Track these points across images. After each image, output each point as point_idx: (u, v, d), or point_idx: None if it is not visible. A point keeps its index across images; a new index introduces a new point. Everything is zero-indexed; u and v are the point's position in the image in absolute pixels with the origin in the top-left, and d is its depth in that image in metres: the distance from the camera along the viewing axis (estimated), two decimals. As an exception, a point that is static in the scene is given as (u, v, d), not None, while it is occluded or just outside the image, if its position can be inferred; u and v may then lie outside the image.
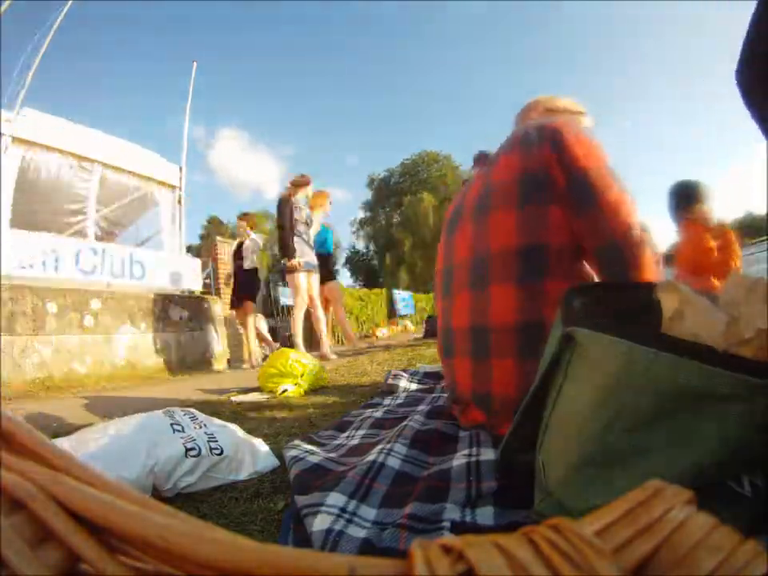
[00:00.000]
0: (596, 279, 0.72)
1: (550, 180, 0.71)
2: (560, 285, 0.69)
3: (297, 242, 3.41)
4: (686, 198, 2.17)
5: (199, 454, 0.73)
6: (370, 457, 0.69)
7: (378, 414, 1.08)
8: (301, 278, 3.35)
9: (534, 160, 0.73)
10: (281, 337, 6.79)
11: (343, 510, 0.52)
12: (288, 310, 7.04)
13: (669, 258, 2.22)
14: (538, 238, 0.71)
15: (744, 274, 0.37)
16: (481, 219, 0.79)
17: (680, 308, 0.36)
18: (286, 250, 3.38)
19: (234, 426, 0.92)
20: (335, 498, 0.55)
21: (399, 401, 1.23)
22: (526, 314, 0.70)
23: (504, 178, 0.76)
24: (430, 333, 4.08)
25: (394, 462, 0.67)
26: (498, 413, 0.73)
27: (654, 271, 0.67)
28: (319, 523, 0.49)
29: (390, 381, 1.49)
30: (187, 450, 0.72)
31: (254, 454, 0.82)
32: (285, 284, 7.96)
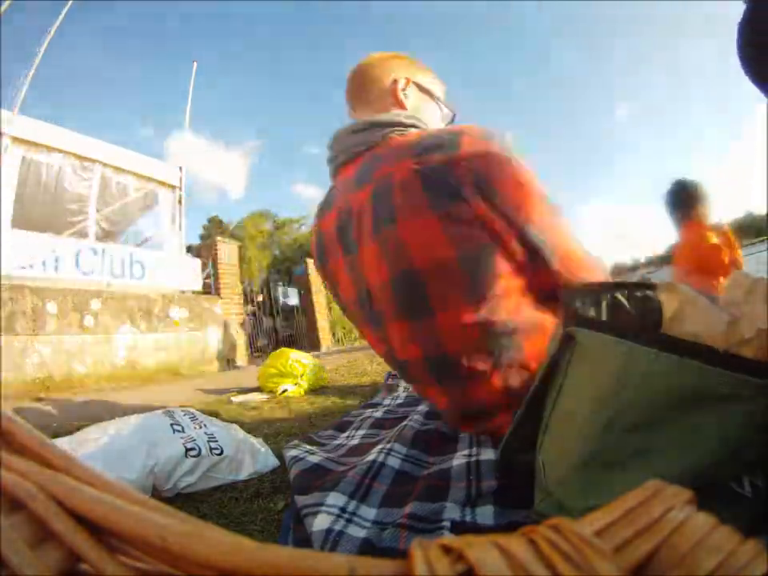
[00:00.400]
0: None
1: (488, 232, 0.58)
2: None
3: None
4: (684, 198, 2.17)
5: (199, 454, 0.73)
6: (370, 456, 0.69)
7: (378, 413, 1.08)
8: None
9: (446, 192, 0.58)
10: (282, 336, 6.79)
11: (343, 509, 0.52)
12: (295, 310, 7.03)
13: (666, 259, 2.23)
14: (473, 238, 0.58)
15: (744, 273, 0.37)
16: (385, 227, 0.62)
17: (680, 308, 0.36)
18: None
19: (234, 426, 0.93)
20: (335, 498, 0.55)
21: (399, 401, 1.23)
22: (495, 326, 0.59)
23: (405, 191, 0.59)
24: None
25: (393, 462, 0.67)
26: (496, 419, 0.68)
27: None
28: (319, 523, 0.49)
29: (389, 381, 1.49)
30: (187, 450, 0.72)
31: (253, 454, 0.82)
32: (285, 284, 7.96)
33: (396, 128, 0.67)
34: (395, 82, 0.73)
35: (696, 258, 2.03)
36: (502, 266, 0.59)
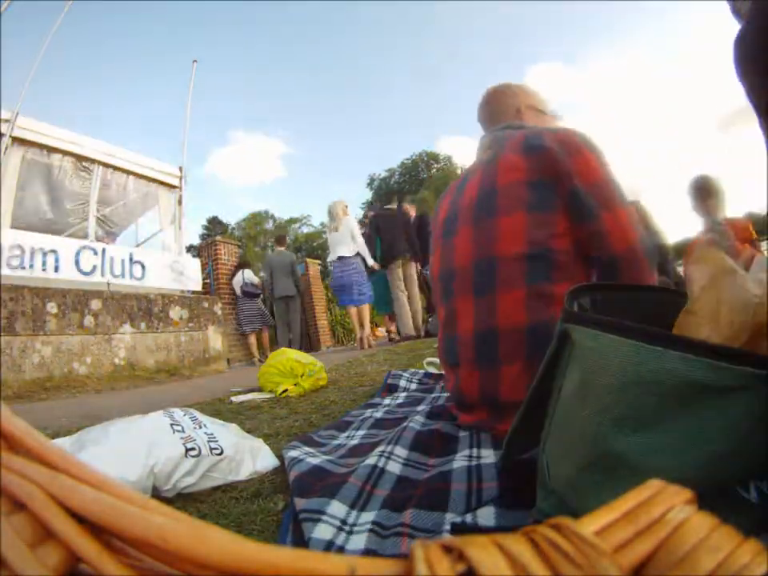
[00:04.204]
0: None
1: (556, 188, 0.73)
2: (567, 287, 0.69)
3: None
4: (696, 192, 2.22)
5: (199, 454, 0.73)
6: (371, 460, 0.68)
7: (378, 414, 1.08)
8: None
9: (542, 165, 0.74)
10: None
11: (344, 522, 0.52)
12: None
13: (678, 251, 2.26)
14: (545, 242, 0.71)
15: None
16: (484, 223, 0.77)
17: (715, 275, 0.35)
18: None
19: (234, 426, 0.92)
20: (336, 509, 0.54)
21: (399, 401, 1.23)
22: (534, 317, 0.70)
23: (509, 181, 0.76)
24: (429, 332, 4.10)
25: (394, 467, 0.67)
26: (505, 416, 0.72)
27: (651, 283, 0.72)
28: (319, 532, 0.49)
29: (389, 381, 1.49)
30: (187, 450, 0.72)
31: (254, 454, 0.82)
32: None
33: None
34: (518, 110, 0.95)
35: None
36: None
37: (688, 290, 0.38)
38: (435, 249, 0.91)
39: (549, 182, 0.73)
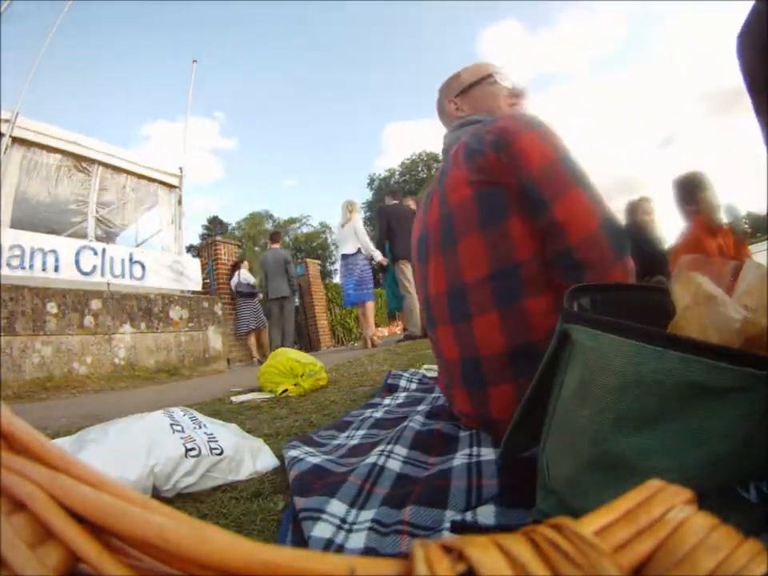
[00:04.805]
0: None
1: (503, 191, 0.66)
2: (540, 301, 0.66)
3: None
4: (687, 188, 2.18)
5: (199, 454, 0.73)
6: (371, 459, 0.69)
7: (378, 414, 1.08)
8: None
9: (483, 172, 0.68)
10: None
11: (343, 520, 0.52)
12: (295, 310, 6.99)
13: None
14: (507, 258, 0.66)
15: (758, 263, 0.37)
16: (448, 250, 0.74)
17: (696, 299, 0.36)
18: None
19: (233, 426, 0.92)
20: (336, 507, 0.54)
21: (399, 401, 1.23)
22: (513, 339, 0.67)
23: (459, 199, 0.71)
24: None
25: (394, 465, 0.67)
26: (501, 431, 0.71)
27: (621, 274, 0.62)
28: (319, 531, 0.49)
29: (389, 381, 1.49)
30: (187, 450, 0.72)
31: (254, 454, 0.82)
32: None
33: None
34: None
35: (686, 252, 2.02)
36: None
37: (675, 303, 0.38)
38: (416, 273, 0.88)
39: (494, 188, 0.67)
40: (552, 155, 0.64)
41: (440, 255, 0.76)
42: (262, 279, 4.86)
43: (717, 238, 2.10)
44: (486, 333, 0.69)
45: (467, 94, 0.87)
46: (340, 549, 0.46)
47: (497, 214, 0.67)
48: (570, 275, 0.63)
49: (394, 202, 4.41)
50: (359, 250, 4.14)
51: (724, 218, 2.16)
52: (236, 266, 5.20)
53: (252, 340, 5.01)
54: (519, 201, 0.66)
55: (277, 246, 5.03)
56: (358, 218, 4.29)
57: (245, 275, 5.05)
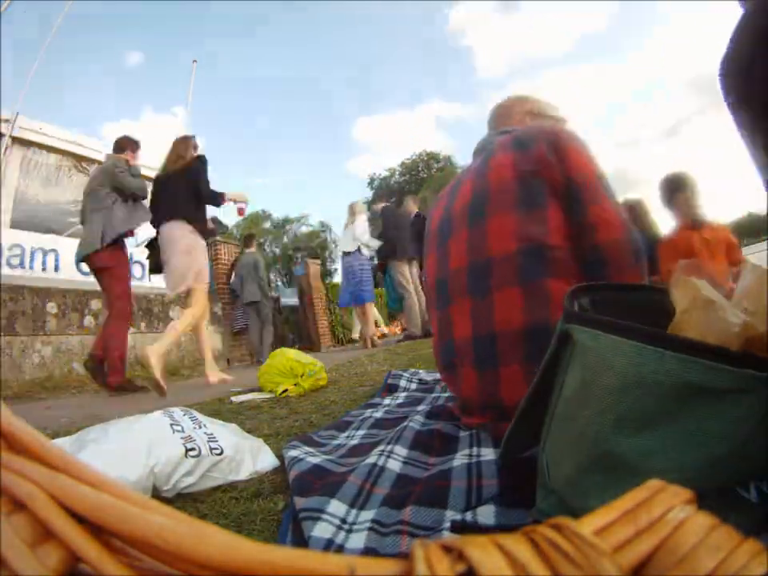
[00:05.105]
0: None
1: (546, 181, 0.73)
2: (564, 284, 0.69)
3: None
4: (670, 189, 2.22)
5: (199, 454, 0.73)
6: (371, 459, 0.69)
7: (378, 414, 1.08)
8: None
9: (530, 162, 0.74)
10: (281, 336, 6.77)
11: (344, 520, 0.52)
12: (295, 310, 6.97)
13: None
14: (538, 238, 0.71)
15: (757, 265, 0.36)
16: (477, 224, 0.77)
17: (694, 303, 0.35)
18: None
19: (233, 426, 0.92)
20: (336, 507, 0.54)
21: (399, 401, 1.23)
22: (532, 316, 0.69)
23: (499, 179, 0.76)
24: (429, 333, 4.11)
25: (394, 465, 0.67)
26: (508, 419, 0.71)
27: (636, 276, 0.71)
28: (319, 531, 0.49)
29: (389, 381, 1.49)
30: (187, 450, 0.72)
31: (254, 454, 0.82)
32: (285, 284, 7.94)
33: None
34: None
35: (675, 258, 2.06)
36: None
37: (674, 306, 0.38)
38: (430, 256, 0.90)
39: (539, 177, 0.73)
40: (593, 168, 0.75)
41: (464, 230, 0.79)
42: (238, 284, 4.76)
43: (701, 233, 2.14)
44: (506, 308, 0.71)
45: (540, 116, 0.98)
46: (340, 549, 0.46)
47: (535, 200, 0.73)
48: (590, 268, 0.71)
49: (388, 203, 4.41)
50: (359, 248, 4.14)
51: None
52: (234, 266, 5.19)
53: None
54: (558, 195, 0.73)
55: (251, 249, 4.87)
56: (363, 218, 4.28)
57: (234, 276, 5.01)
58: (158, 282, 4.55)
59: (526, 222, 0.72)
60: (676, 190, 2.21)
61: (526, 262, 0.71)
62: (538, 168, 0.73)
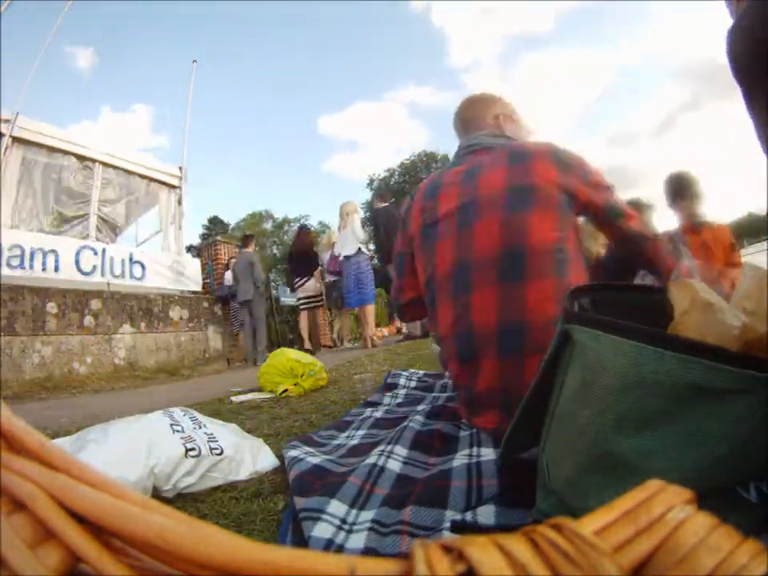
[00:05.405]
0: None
1: (575, 197, 0.81)
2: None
3: None
4: (673, 192, 2.24)
5: (199, 454, 0.73)
6: (371, 459, 0.69)
7: (378, 413, 1.08)
8: None
9: (568, 178, 0.81)
10: (282, 336, 6.76)
11: (344, 521, 0.52)
12: (295, 310, 6.95)
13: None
14: (564, 240, 0.76)
15: (756, 266, 0.37)
16: (516, 212, 0.78)
17: (693, 305, 0.36)
18: None
19: (233, 426, 0.93)
20: (336, 507, 0.54)
21: (399, 400, 1.23)
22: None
23: (546, 183, 0.81)
24: (427, 333, 4.11)
25: (394, 465, 0.67)
26: None
27: (662, 254, 0.87)
28: (319, 531, 0.49)
29: (389, 381, 1.49)
30: (187, 450, 0.72)
31: (254, 453, 0.82)
32: (285, 284, 7.95)
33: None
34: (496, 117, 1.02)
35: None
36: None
37: (673, 308, 0.38)
38: (440, 246, 0.87)
39: (572, 191, 0.81)
40: (609, 186, 0.86)
41: (499, 215, 0.79)
42: (233, 285, 4.71)
43: (701, 236, 2.16)
44: (540, 298, 0.72)
45: (511, 120, 1.03)
46: (340, 549, 0.46)
47: (568, 209, 0.80)
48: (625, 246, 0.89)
49: (384, 204, 4.40)
50: (359, 250, 4.14)
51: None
52: (228, 266, 5.16)
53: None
54: (581, 209, 0.83)
55: (248, 249, 4.73)
56: (357, 218, 4.28)
57: (228, 277, 4.95)
58: (158, 281, 4.56)
59: (561, 223, 0.77)
60: (677, 195, 2.23)
61: (559, 258, 0.75)
62: (573, 184, 0.82)
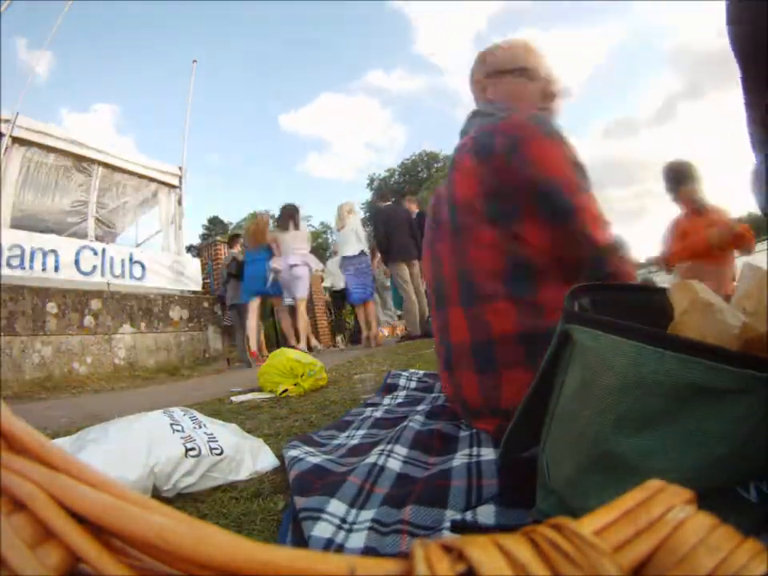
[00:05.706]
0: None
1: (516, 194, 0.69)
2: (553, 292, 0.68)
3: None
4: (673, 180, 2.25)
5: (199, 454, 0.73)
6: (371, 459, 0.69)
7: (378, 413, 1.08)
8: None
9: (495, 176, 0.70)
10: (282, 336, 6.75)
11: (344, 520, 0.52)
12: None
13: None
14: (517, 251, 0.69)
15: (756, 266, 0.37)
16: (458, 235, 0.75)
17: (693, 305, 0.36)
18: None
19: (233, 426, 0.92)
20: (336, 507, 0.54)
21: (399, 400, 1.23)
22: (525, 324, 0.68)
23: (465, 196, 0.73)
24: (428, 333, 4.11)
25: (394, 464, 0.67)
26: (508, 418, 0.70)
27: (629, 273, 0.69)
28: (319, 530, 0.49)
29: (389, 380, 1.49)
30: (187, 450, 0.72)
31: (254, 454, 0.82)
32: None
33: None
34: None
35: (691, 246, 2.09)
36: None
37: (673, 308, 0.38)
38: (425, 254, 0.87)
39: (507, 189, 0.69)
40: (564, 163, 0.68)
41: (449, 238, 0.77)
42: (222, 288, 4.51)
43: (705, 217, 2.17)
44: (498, 318, 0.70)
45: (499, 80, 0.83)
46: (340, 549, 0.46)
47: (509, 213, 0.70)
48: (594, 275, 0.69)
49: (385, 203, 4.40)
50: (362, 252, 4.14)
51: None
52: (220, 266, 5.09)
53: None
54: (531, 206, 0.69)
55: (235, 250, 4.64)
56: (356, 218, 4.28)
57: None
58: (158, 281, 4.56)
59: (502, 237, 0.69)
60: (679, 182, 2.24)
61: (510, 275, 0.69)
62: (504, 181, 0.69)
